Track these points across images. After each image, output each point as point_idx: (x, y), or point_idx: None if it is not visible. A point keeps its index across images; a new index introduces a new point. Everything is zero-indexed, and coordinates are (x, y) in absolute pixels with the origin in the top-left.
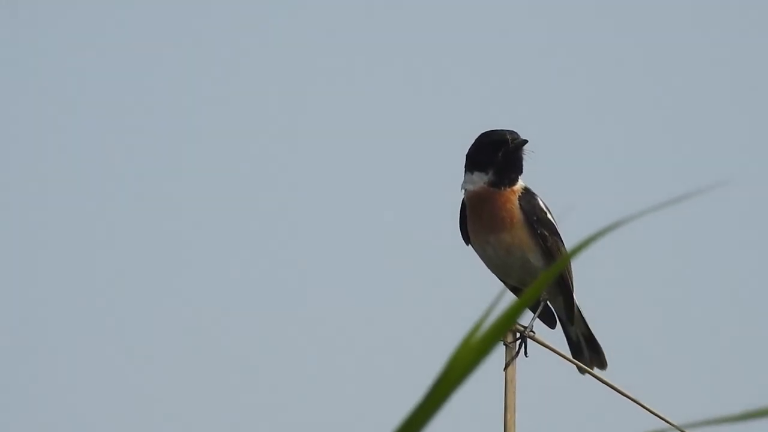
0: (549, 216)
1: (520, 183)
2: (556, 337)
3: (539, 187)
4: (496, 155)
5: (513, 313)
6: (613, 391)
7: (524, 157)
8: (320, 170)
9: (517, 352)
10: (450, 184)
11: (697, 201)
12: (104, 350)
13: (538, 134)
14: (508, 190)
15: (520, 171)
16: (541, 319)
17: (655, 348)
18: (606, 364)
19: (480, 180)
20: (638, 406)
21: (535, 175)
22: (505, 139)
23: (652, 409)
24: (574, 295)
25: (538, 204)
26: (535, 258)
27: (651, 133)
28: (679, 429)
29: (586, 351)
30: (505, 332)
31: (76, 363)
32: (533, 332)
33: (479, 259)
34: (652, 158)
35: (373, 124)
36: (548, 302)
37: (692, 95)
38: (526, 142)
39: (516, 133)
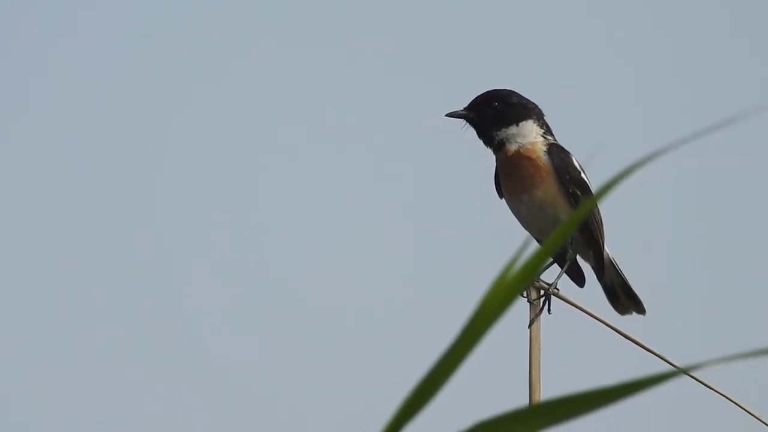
0: (582, 175)
1: (546, 139)
2: (582, 294)
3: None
4: None
5: (539, 259)
6: (640, 347)
7: (475, 123)
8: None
9: (541, 309)
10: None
11: (724, 136)
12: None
13: (555, 81)
14: (526, 149)
15: (482, 135)
16: (570, 277)
17: (688, 301)
18: (645, 311)
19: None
20: (665, 362)
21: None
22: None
23: (680, 366)
24: (604, 248)
25: (572, 162)
26: (566, 216)
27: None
28: (709, 387)
29: (623, 298)
30: (532, 278)
31: None
32: (557, 289)
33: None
34: (674, 98)
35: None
36: (577, 259)
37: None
38: (459, 114)
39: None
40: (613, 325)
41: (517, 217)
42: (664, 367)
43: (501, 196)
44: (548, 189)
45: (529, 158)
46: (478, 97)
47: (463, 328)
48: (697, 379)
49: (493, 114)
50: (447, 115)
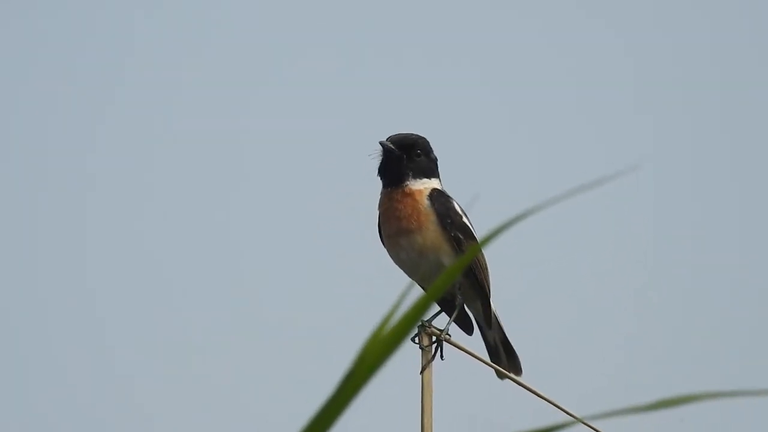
0: (464, 219)
1: (431, 183)
2: (473, 341)
3: (451, 181)
4: (379, 163)
5: (421, 307)
6: (531, 394)
7: (397, 162)
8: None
9: (434, 356)
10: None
11: (605, 191)
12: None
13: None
14: (412, 190)
15: (396, 175)
16: (459, 325)
17: (572, 349)
18: (521, 371)
19: (382, 187)
20: (557, 408)
21: (446, 168)
22: (380, 146)
23: (571, 412)
24: (490, 293)
25: (453, 207)
26: (449, 261)
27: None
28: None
29: (504, 356)
30: (413, 326)
31: None
32: (449, 335)
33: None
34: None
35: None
36: (465, 307)
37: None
38: (388, 146)
39: (393, 137)
40: (505, 371)
41: (397, 263)
42: (557, 415)
43: (383, 242)
44: (427, 234)
45: (411, 201)
46: (404, 137)
47: (342, 379)
48: (592, 428)
49: (416, 161)
50: (381, 143)
